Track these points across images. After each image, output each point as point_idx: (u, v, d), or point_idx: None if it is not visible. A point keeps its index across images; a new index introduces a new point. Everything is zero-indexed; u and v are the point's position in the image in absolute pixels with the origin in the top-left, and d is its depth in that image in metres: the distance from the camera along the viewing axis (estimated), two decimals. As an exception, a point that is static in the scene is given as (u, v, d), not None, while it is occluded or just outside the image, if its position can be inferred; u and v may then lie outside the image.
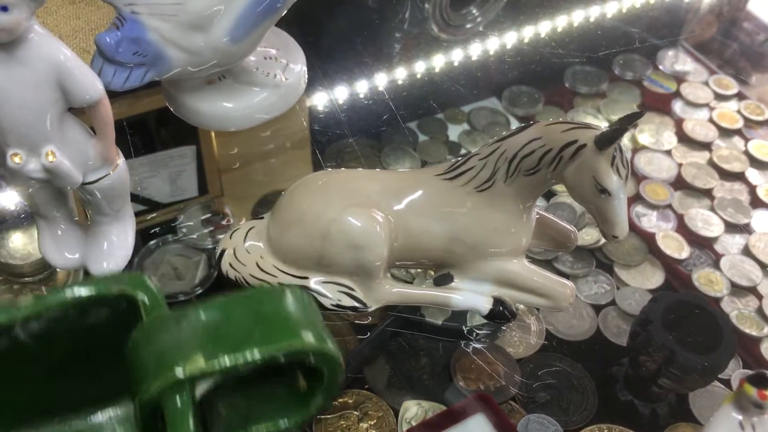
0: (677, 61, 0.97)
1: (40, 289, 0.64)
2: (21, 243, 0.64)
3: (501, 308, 0.54)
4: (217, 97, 0.54)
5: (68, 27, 0.69)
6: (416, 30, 0.77)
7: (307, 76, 0.57)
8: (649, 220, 0.78)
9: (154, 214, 0.70)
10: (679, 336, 0.56)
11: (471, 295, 0.54)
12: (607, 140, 0.47)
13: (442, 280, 0.55)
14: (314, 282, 0.54)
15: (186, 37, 0.47)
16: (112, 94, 0.49)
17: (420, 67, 0.82)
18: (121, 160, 0.49)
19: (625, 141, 0.85)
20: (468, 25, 0.78)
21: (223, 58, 0.50)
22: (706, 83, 0.94)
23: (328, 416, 0.60)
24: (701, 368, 0.56)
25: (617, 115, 0.89)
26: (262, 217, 0.57)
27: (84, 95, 0.43)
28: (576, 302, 0.70)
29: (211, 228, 0.71)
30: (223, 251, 0.57)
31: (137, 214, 0.70)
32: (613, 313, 0.69)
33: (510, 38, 0.87)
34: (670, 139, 0.87)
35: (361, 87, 0.82)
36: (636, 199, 0.80)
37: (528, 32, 0.88)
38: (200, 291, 0.67)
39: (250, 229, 0.57)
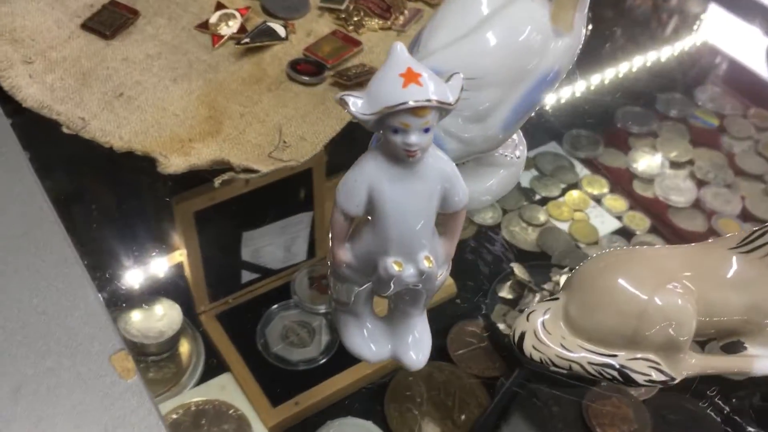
0: (714, 97, 1.02)
1: (167, 366, 0.64)
2: (148, 323, 0.64)
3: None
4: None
5: (278, 114, 0.72)
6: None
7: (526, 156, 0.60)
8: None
9: (264, 281, 0.70)
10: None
11: (771, 361, 0.58)
12: None
13: (733, 348, 0.58)
14: (623, 359, 0.57)
15: (464, 128, 0.50)
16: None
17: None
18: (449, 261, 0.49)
19: (688, 181, 0.89)
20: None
21: (489, 146, 0.53)
22: (744, 116, 0.99)
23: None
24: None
25: (674, 153, 0.94)
26: (557, 298, 0.60)
27: (459, 202, 0.43)
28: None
29: (321, 291, 0.71)
30: (522, 333, 0.59)
31: (249, 283, 0.70)
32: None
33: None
34: (726, 175, 0.91)
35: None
36: (710, 234, 0.83)
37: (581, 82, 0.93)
38: (324, 360, 0.66)
39: (546, 310, 0.59)
